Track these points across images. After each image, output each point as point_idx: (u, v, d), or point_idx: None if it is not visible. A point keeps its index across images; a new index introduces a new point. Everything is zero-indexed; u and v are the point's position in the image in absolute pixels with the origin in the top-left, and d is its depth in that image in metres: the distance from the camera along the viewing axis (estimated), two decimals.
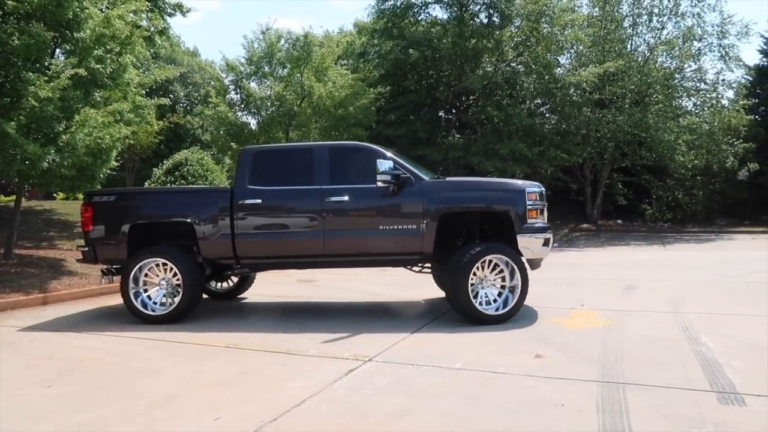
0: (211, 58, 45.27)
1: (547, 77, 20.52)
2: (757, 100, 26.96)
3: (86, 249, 6.74)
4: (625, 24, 23.63)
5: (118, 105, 9.61)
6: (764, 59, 27.81)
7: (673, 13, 23.08)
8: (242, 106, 19.92)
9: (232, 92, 20.29)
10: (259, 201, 6.56)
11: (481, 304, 6.16)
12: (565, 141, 20.63)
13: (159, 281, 6.57)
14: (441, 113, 22.53)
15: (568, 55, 23.75)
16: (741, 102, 24.84)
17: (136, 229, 6.66)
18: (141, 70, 14.76)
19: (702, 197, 25.40)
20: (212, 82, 22.84)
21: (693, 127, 22.19)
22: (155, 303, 6.57)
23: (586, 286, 8.76)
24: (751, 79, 27.57)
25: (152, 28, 13.27)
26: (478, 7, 20.03)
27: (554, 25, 19.66)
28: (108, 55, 9.35)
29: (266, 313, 7.44)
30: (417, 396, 3.93)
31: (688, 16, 22.98)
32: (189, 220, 6.62)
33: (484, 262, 6.18)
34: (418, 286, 8.70)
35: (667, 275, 9.94)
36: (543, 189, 6.78)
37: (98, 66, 9.07)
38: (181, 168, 12.57)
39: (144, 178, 13.48)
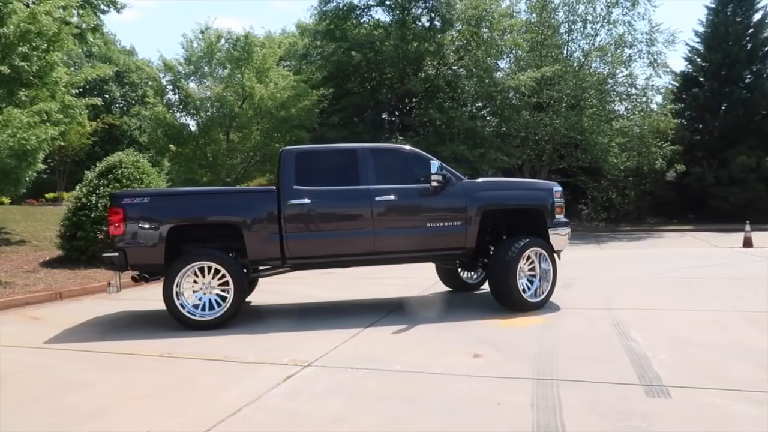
0: (149, 58, 43.90)
1: (487, 81, 20.95)
2: (683, 105, 28.42)
3: (115, 254, 6.26)
4: (561, 30, 24.45)
5: (45, 104, 9.17)
6: (689, 66, 29.38)
7: (605, 20, 24.06)
8: (181, 106, 19.37)
9: (170, 93, 19.71)
10: (308, 201, 6.59)
11: (523, 292, 6.74)
12: (505, 143, 21.12)
13: (206, 285, 6.37)
14: (384, 115, 22.64)
15: (508, 59, 24.38)
16: (668, 106, 26.10)
17: (174, 232, 6.39)
18: (72, 69, 14.15)
19: (634, 197, 26.55)
20: (150, 82, 22.12)
21: (625, 130, 23.16)
22: (200, 308, 6.35)
23: None
24: (677, 84, 29.06)
25: (84, 25, 12.73)
26: (420, 10, 20.26)
27: (493, 30, 20.11)
28: (34, 53, 8.90)
29: None
30: (355, 400, 3.89)
31: (620, 24, 24.06)
32: (236, 222, 6.49)
33: (524, 254, 6.78)
34: (358, 288, 8.69)
35: (602, 273, 10.30)
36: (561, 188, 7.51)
37: (23, 63, 8.63)
38: (115, 171, 12.05)
39: (77, 181, 12.86)
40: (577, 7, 23.95)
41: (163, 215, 6.39)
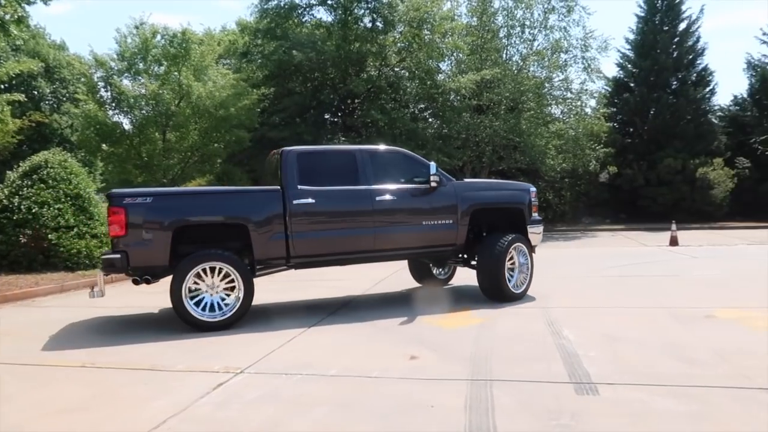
0: (81, 53, 41.96)
1: (429, 83, 21.15)
2: (615, 109, 29.64)
3: (117, 256, 6.02)
4: (501, 34, 24.97)
5: None
6: (621, 72, 30.65)
7: (543, 26, 24.73)
8: (114, 104, 18.57)
9: (102, 90, 18.87)
10: (312, 201, 6.72)
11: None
12: (447, 145, 21.37)
13: (213, 286, 6.28)
14: (327, 116, 22.48)
15: (449, 62, 24.69)
16: (601, 110, 27.15)
17: (180, 232, 6.25)
18: None
19: (569, 198, 27.48)
20: (82, 78, 21.11)
21: (561, 132, 23.90)
22: (208, 309, 6.25)
23: (463, 286, 9.06)
24: (610, 89, 30.27)
25: (7, 16, 11.97)
26: (362, 11, 20.22)
27: (435, 32, 20.30)
28: None
29: (134, 325, 6.84)
30: (288, 407, 3.79)
31: (556, 30, 24.79)
32: (244, 222, 6.47)
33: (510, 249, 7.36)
34: (303, 289, 8.55)
35: (538, 272, 10.47)
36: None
37: None
38: (40, 171, 11.43)
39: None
40: (516, 12, 24.56)
41: (168, 215, 6.24)
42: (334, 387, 4.21)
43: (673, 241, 15.45)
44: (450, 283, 9.16)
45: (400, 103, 21.52)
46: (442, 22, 20.57)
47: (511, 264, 7.43)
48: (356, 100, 21.11)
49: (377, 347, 5.33)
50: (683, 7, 29.16)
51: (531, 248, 7.73)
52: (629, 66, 30.14)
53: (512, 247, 7.35)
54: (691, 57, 29.12)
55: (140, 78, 17.63)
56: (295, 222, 6.63)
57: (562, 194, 27.06)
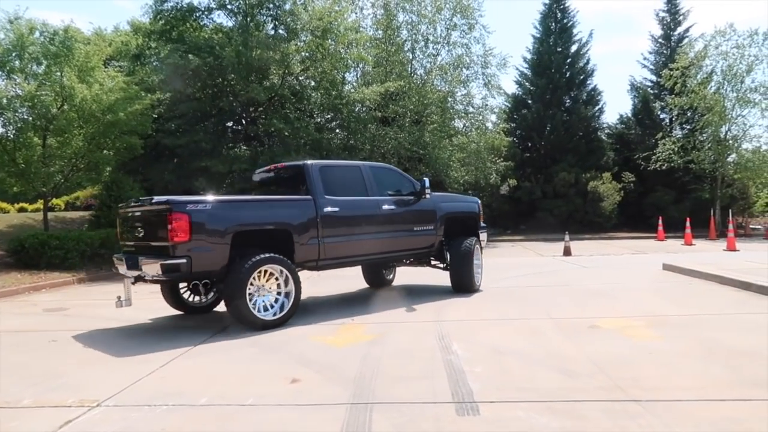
0: None
1: (334, 93, 20.93)
2: (514, 125, 30.87)
3: (183, 261, 6.15)
4: (406, 48, 25.29)
5: None
6: (519, 89, 32.02)
7: (446, 41, 25.33)
8: None
9: None
10: (338, 209, 7.54)
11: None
12: (352, 156, 21.24)
13: (268, 287, 6.79)
14: (229, 124, 21.67)
15: (355, 73, 24.67)
16: (501, 125, 28.14)
17: (236, 238, 6.57)
18: None
19: None
20: None
21: (463, 146, 24.47)
22: (264, 309, 6.72)
23: (359, 299, 8.85)
24: (509, 105, 31.51)
25: None
26: (264, 18, 19.70)
27: (339, 42, 20.14)
28: None
29: None
30: None
31: (459, 46, 25.46)
32: (288, 228, 7.09)
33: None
34: (168, 309, 7.92)
35: (437, 284, 10.51)
36: None
37: None
38: None
39: None
40: (420, 26, 24.97)
41: (227, 222, 6.56)
42: (202, 418, 3.82)
43: (567, 252, 16.13)
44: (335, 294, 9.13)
45: (304, 112, 21.14)
46: (347, 32, 20.45)
47: (477, 262, 9.10)
48: (259, 109, 20.49)
49: (259, 369, 4.97)
50: (575, 30, 31.02)
51: (481, 249, 9.52)
52: (527, 84, 31.55)
53: (475, 248, 8.96)
54: (582, 77, 30.95)
55: (15, 77, 16.06)
56: (325, 228, 7.40)
57: None
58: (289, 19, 19.25)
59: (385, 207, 8.14)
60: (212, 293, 7.96)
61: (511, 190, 29.36)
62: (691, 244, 19.17)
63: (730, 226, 17.44)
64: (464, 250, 8.77)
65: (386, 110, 22.60)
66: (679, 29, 30.81)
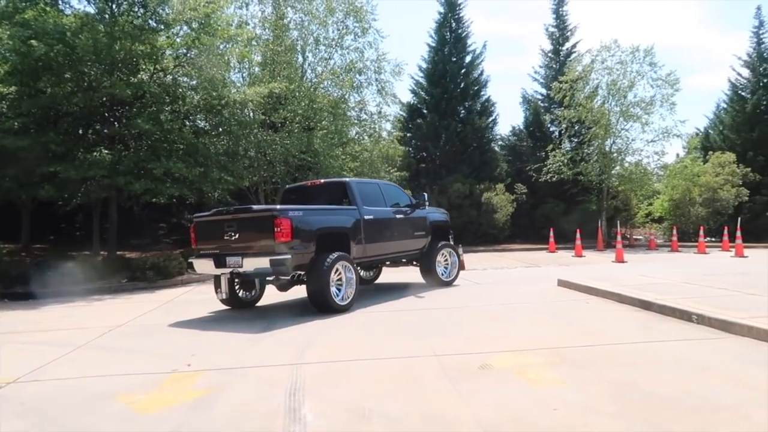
0: None
1: (214, 93, 18.92)
2: (409, 134, 30.20)
3: (288, 257, 7.56)
4: (297, 48, 23.74)
5: None
6: (414, 98, 31.44)
7: (338, 45, 24.05)
8: None
9: None
10: (372, 217, 9.53)
11: (441, 275, 11.20)
12: (234, 163, 19.36)
13: (340, 278, 8.37)
14: (89, 123, 18.94)
15: (240, 74, 22.78)
16: (396, 134, 27.30)
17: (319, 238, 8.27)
18: None
19: None
20: None
21: (356, 154, 23.28)
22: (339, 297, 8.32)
23: (204, 336, 7.21)
24: (405, 114, 30.84)
25: None
26: (129, 4, 17.37)
27: (218, 38, 18.24)
28: None
29: None
30: None
31: (352, 50, 24.27)
32: (347, 231, 8.94)
33: (442, 251, 11.33)
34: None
35: (306, 313, 9.02)
36: None
37: None
38: None
39: None
40: (311, 27, 23.56)
41: (314, 225, 8.24)
42: None
43: (461, 265, 15.22)
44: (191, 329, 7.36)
45: (179, 114, 18.96)
46: (227, 27, 18.61)
47: (446, 261, 11.41)
48: (125, 108, 18.05)
49: None
50: (469, 41, 30.90)
51: (455, 250, 11.73)
52: (422, 93, 31.02)
53: (444, 249, 11.31)
54: (476, 88, 30.86)
55: None
56: (366, 232, 9.28)
57: None
58: (159, 8, 17.11)
59: (397, 216, 10.27)
60: (254, 290, 9.48)
61: None
62: (581, 256, 19.09)
63: (618, 238, 17.47)
64: (433, 253, 11.08)
65: (274, 114, 20.92)
66: (567, 44, 31.63)
